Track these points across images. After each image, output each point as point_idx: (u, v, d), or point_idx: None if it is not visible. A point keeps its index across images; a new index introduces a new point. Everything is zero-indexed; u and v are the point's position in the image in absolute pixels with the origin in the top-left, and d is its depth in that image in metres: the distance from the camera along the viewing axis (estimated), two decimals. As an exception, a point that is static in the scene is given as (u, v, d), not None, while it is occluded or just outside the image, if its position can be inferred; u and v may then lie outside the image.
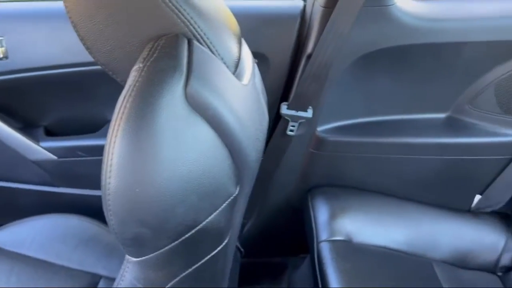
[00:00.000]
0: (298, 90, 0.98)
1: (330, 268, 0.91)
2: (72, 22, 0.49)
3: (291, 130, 1.02)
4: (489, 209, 1.10)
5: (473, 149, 1.05)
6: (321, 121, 1.07)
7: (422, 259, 1.01)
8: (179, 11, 0.47)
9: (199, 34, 0.49)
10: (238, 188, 0.53)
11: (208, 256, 0.55)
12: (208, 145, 0.46)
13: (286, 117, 1.01)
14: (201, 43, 0.49)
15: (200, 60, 0.47)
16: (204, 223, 0.49)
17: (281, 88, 1.05)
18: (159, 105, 0.41)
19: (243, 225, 1.19)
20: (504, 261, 1.03)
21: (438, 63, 1.00)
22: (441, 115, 1.09)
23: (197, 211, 0.48)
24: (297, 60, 1.02)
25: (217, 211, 0.50)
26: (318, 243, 0.98)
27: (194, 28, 0.48)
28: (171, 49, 0.45)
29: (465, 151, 1.05)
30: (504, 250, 1.04)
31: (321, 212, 1.04)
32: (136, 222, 0.43)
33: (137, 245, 0.47)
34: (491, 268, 1.04)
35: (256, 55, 1.00)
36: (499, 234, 1.07)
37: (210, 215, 0.50)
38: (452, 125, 1.07)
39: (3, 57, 1.01)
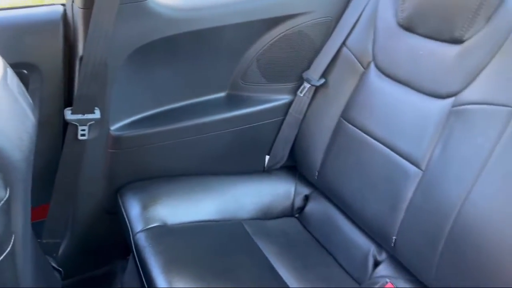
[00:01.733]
0: (79, 93, 0.98)
1: (148, 254, 0.94)
2: None
3: (83, 135, 1.01)
4: (278, 165, 1.28)
5: (253, 117, 1.21)
6: (113, 120, 1.08)
7: (233, 221, 1.12)
8: None
9: None
10: (8, 191, 0.52)
11: None
12: None
13: (73, 122, 1.00)
14: None
15: None
16: None
17: (62, 94, 1.03)
18: None
19: (57, 245, 1.13)
20: (297, 204, 1.23)
21: (205, 48, 1.11)
22: (222, 94, 1.22)
23: None
24: (71, 64, 1.01)
25: None
26: (134, 235, 1.01)
27: None
28: None
29: (247, 121, 1.20)
30: (295, 195, 1.23)
31: (132, 207, 1.07)
32: None
33: None
34: (290, 213, 1.23)
35: (24, 65, 0.97)
36: (290, 184, 1.26)
37: None
38: (232, 101, 1.21)
39: None
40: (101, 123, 1.05)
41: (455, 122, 0.85)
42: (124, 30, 0.96)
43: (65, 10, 0.98)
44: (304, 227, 1.19)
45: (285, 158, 1.27)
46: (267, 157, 1.28)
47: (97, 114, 1.01)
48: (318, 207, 1.19)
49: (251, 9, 1.11)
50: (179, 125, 1.14)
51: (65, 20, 0.98)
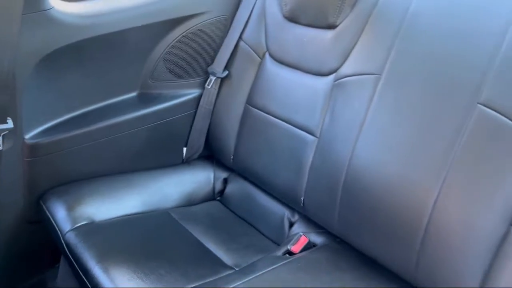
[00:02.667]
0: (-12, 105, 0.99)
1: (81, 249, 0.99)
2: None
3: (-4, 146, 1.02)
4: (196, 155, 1.38)
5: (165, 113, 1.29)
6: (27, 128, 1.10)
7: (159, 211, 1.20)
8: None
9: None
10: None
11: None
12: None
13: (-15, 135, 1.00)
14: None
15: None
16: None
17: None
18: None
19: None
20: (218, 188, 1.34)
21: (112, 51, 1.18)
22: (133, 94, 1.29)
23: None
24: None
25: None
26: (63, 236, 1.04)
27: None
28: None
29: (160, 117, 1.28)
30: (215, 180, 1.34)
31: (57, 210, 1.09)
32: None
33: None
34: (212, 197, 1.33)
35: None
36: (208, 170, 1.36)
37: None
38: (144, 99, 1.28)
39: None
40: (15, 133, 1.06)
41: (337, 93, 1.02)
42: (30, 40, 0.99)
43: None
44: (226, 207, 1.30)
45: (201, 148, 1.37)
46: (184, 149, 1.37)
47: (9, 124, 1.02)
48: (236, 187, 1.30)
49: (152, 12, 1.20)
50: (93, 127, 1.18)
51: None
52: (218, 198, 1.34)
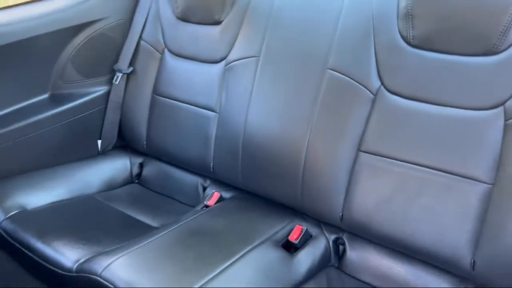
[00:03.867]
0: None
1: (19, 232, 1.09)
2: None
3: None
4: (110, 146, 1.53)
5: (77, 110, 1.42)
6: None
7: (85, 196, 1.33)
8: None
9: None
10: None
11: None
12: None
13: None
14: None
15: None
16: None
17: None
18: None
19: None
20: (135, 172, 1.50)
21: (21, 57, 1.28)
22: (45, 95, 1.40)
23: None
24: None
25: None
26: (-1, 225, 1.13)
27: None
28: None
29: (72, 114, 1.41)
30: (131, 166, 1.50)
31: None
32: None
33: None
34: (130, 181, 1.49)
35: None
36: (124, 158, 1.51)
37: None
38: (56, 99, 1.40)
39: None
40: None
41: (229, 76, 1.27)
42: None
43: None
44: (145, 187, 1.47)
45: (115, 139, 1.52)
46: (99, 142, 1.51)
47: None
48: (152, 169, 1.49)
49: (56, 19, 1.33)
50: (12, 127, 1.28)
51: None
52: (136, 181, 1.51)
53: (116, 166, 1.49)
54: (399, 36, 1.01)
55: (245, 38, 1.25)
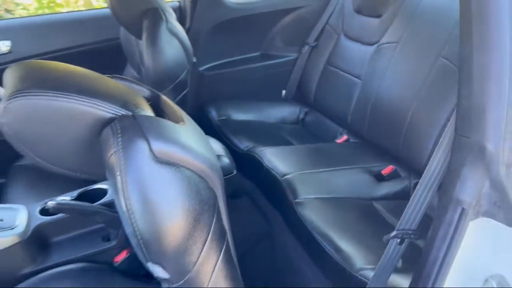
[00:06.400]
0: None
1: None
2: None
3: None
4: (291, 96, 2.17)
5: (276, 66, 2.10)
6: (204, 63, 1.99)
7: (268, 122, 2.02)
8: None
9: None
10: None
11: None
12: None
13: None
14: None
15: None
16: None
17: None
18: None
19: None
20: (300, 117, 2.11)
21: (247, 27, 2.02)
22: (257, 53, 2.12)
23: None
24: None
25: None
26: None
27: None
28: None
29: (273, 68, 2.09)
30: (299, 112, 2.12)
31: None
32: None
33: None
34: (297, 122, 2.11)
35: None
36: (295, 106, 2.14)
37: None
38: (264, 57, 2.11)
39: (7, 52, 1.69)
40: (198, 66, 1.95)
41: (375, 55, 1.74)
42: (206, 14, 1.87)
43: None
44: (306, 128, 2.07)
45: (294, 92, 2.15)
46: (283, 91, 2.17)
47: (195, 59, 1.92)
48: (312, 116, 2.06)
49: (274, 3, 2.02)
50: (233, 69, 2.04)
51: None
52: (300, 124, 2.11)
53: (290, 110, 2.12)
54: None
55: (394, 28, 1.69)
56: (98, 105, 0.63)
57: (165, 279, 0.66)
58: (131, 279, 1.10)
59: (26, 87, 0.60)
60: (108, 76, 0.75)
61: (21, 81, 0.62)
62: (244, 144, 1.70)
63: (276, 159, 1.53)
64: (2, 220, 1.10)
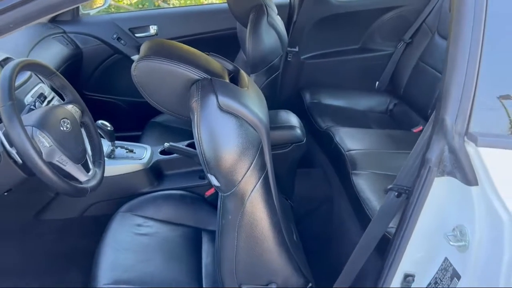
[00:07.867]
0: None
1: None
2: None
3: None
4: (383, 87, 2.35)
5: (372, 58, 2.31)
6: (305, 52, 2.29)
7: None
8: None
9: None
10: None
11: None
12: None
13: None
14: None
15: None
16: None
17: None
18: None
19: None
20: (390, 107, 2.29)
21: (347, 22, 2.26)
22: (357, 46, 2.35)
23: None
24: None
25: None
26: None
27: None
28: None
29: (370, 59, 2.30)
30: (389, 102, 2.29)
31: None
32: None
33: None
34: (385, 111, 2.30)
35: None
36: (385, 97, 2.32)
37: None
38: (363, 49, 2.33)
39: (155, 34, 2.22)
40: (298, 55, 2.27)
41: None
42: (311, 9, 2.16)
43: (289, 1, 2.24)
44: (392, 118, 2.24)
45: (386, 83, 2.33)
46: (377, 82, 2.36)
47: (296, 49, 2.24)
48: (401, 108, 2.23)
49: (375, 2, 2.23)
50: (329, 59, 2.31)
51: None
52: (389, 113, 2.29)
53: (380, 100, 2.31)
54: None
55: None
56: (191, 70, 0.99)
57: (218, 186, 1.00)
58: (214, 209, 1.49)
59: (149, 54, 0.99)
60: (206, 54, 1.12)
61: (148, 50, 1.01)
62: (325, 124, 1.97)
63: (347, 137, 1.77)
64: (135, 153, 1.59)
